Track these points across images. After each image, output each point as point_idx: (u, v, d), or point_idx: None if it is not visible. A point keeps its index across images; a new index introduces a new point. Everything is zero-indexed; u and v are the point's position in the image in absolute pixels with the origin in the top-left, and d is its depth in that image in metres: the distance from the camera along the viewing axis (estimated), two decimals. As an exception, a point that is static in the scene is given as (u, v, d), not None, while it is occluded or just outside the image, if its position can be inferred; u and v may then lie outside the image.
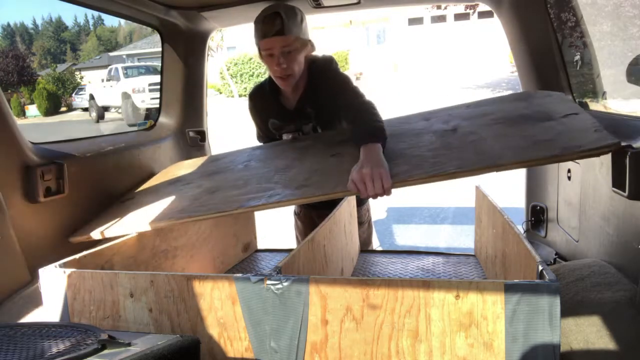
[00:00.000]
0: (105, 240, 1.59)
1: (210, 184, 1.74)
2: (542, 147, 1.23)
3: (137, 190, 1.97)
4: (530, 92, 1.74)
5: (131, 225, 1.61)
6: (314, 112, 1.89)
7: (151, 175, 2.14)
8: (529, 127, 1.34)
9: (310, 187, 1.42)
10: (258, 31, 1.72)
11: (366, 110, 1.59)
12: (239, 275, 1.12)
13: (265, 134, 2.09)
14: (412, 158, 1.38)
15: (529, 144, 1.26)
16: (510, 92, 16.28)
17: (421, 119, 1.69)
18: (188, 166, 2.08)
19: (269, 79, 1.93)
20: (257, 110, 2.03)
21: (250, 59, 21.49)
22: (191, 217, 1.52)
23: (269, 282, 1.09)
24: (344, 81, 1.83)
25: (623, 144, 1.17)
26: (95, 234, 1.62)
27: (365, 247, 2.36)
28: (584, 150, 1.15)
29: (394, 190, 1.33)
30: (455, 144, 1.39)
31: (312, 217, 2.24)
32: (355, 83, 1.86)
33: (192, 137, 2.45)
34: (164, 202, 1.70)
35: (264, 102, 1.96)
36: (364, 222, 2.31)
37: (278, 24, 1.66)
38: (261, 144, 2.12)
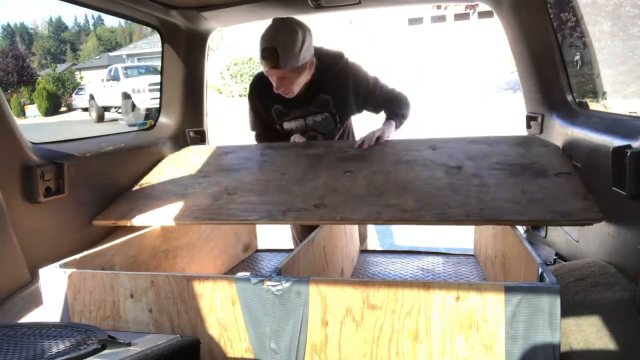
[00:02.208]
0: (127, 228, 1.68)
1: (228, 182, 1.80)
2: (536, 207, 1.39)
3: (151, 175, 2.01)
4: (529, 137, 1.90)
5: (155, 217, 1.67)
6: (332, 99, 1.96)
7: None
8: (526, 181, 1.50)
9: (328, 207, 1.53)
10: (259, 58, 1.80)
11: (397, 101, 2.00)
12: (239, 276, 1.12)
13: (263, 123, 2.11)
14: (421, 195, 1.51)
15: (526, 201, 1.41)
16: (510, 92, 16.22)
17: (427, 147, 1.84)
18: (199, 154, 2.12)
19: None
20: (260, 98, 2.06)
21: (250, 59, 21.46)
22: (214, 220, 1.62)
23: (269, 283, 1.09)
24: (365, 81, 1.97)
25: (623, 143, 1.17)
26: (121, 220, 1.69)
27: (362, 242, 2.38)
28: (573, 220, 1.35)
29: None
30: (462, 187, 1.52)
31: None
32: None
33: (192, 137, 2.45)
34: (185, 196, 1.76)
35: (267, 89, 1.96)
36: None
37: (274, 60, 1.74)
38: (254, 132, 2.17)
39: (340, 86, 1.95)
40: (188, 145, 2.44)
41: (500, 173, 1.57)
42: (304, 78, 1.87)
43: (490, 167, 1.63)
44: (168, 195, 1.80)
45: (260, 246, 2.49)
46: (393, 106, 2.00)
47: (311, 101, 1.97)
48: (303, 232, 2.28)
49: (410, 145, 1.88)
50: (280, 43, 1.74)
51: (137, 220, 1.69)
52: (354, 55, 2.05)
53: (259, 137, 2.19)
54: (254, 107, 2.12)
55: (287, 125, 2.06)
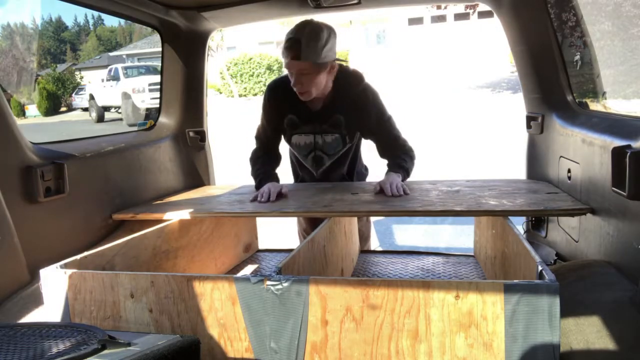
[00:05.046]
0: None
1: (241, 198, 1.97)
2: (531, 206, 1.59)
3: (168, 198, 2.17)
4: (522, 179, 2.14)
5: (172, 214, 1.79)
6: (344, 120, 1.94)
7: (152, 175, 2.15)
8: (521, 196, 1.71)
9: (333, 206, 1.69)
10: (282, 50, 1.83)
11: (404, 153, 1.97)
12: (239, 275, 1.12)
13: (271, 133, 2.04)
14: (424, 201, 1.69)
15: (522, 203, 1.61)
16: (510, 92, 16.22)
17: (427, 183, 2.04)
18: (216, 188, 2.36)
19: None
20: (276, 103, 1.99)
21: (250, 59, 21.46)
22: (229, 213, 1.79)
23: (268, 282, 1.09)
24: (380, 110, 1.96)
25: (623, 143, 1.17)
26: (139, 215, 1.83)
27: (364, 242, 2.37)
28: (562, 209, 1.51)
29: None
30: (459, 197, 1.74)
31: None
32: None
33: (192, 137, 2.45)
34: (201, 201, 1.98)
35: (286, 95, 1.93)
36: (362, 217, 2.32)
37: (296, 50, 1.75)
38: (257, 146, 2.10)
39: (356, 109, 1.92)
40: (188, 145, 2.44)
41: (496, 192, 1.79)
42: (322, 80, 1.82)
43: (488, 190, 1.85)
44: (183, 202, 2.02)
45: (261, 246, 2.49)
46: (399, 158, 1.95)
47: (326, 120, 1.94)
48: (307, 230, 2.28)
49: (412, 183, 2.05)
50: (304, 35, 1.74)
51: (151, 216, 1.80)
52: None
53: (261, 148, 2.09)
54: (267, 114, 2.03)
55: (295, 139, 2.01)
